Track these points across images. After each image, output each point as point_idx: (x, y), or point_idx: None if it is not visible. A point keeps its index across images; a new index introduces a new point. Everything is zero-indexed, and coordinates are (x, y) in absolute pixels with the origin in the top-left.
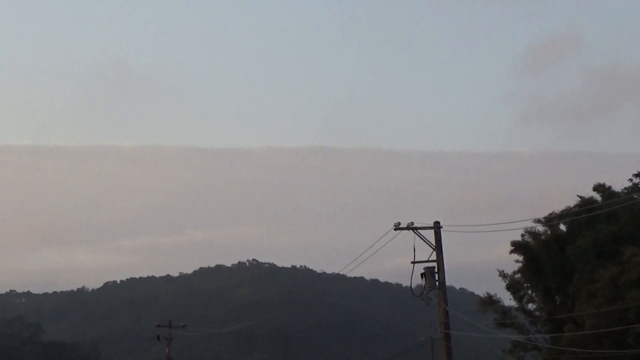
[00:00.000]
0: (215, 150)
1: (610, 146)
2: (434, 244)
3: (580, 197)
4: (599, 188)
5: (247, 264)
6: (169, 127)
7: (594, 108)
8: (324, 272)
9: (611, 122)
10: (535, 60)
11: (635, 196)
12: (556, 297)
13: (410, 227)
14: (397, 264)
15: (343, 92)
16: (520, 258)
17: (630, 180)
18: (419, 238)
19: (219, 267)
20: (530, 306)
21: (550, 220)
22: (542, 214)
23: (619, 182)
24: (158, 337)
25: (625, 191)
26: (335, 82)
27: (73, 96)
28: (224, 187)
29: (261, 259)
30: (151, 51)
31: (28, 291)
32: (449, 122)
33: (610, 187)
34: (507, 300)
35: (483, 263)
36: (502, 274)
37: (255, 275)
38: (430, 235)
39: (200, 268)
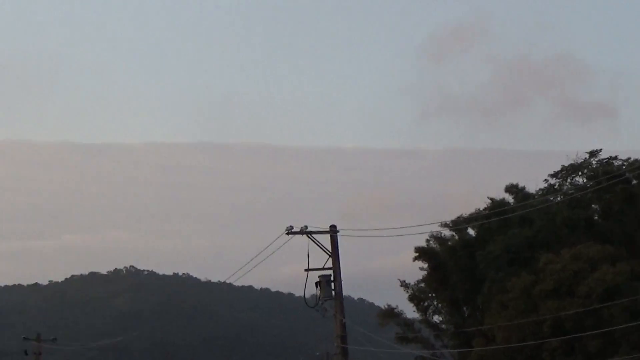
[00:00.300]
0: (91, 146)
1: (521, 144)
2: (330, 250)
3: (490, 199)
4: (511, 189)
5: (124, 272)
6: (39, 121)
7: (503, 102)
8: (209, 281)
9: (521, 118)
10: (438, 50)
11: (551, 198)
12: (464, 308)
13: (304, 232)
14: (289, 271)
15: (228, 84)
16: (425, 266)
17: (546, 180)
18: (314, 243)
19: (93, 275)
20: (436, 318)
21: (458, 224)
22: (449, 217)
23: (533, 183)
24: (25, 352)
25: (540, 193)
26: (219, 73)
27: None
28: (99, 187)
29: (140, 266)
30: (18, 39)
31: None
32: (345, 116)
33: (523, 188)
34: (411, 312)
35: (384, 271)
36: (404, 284)
37: (134, 284)
38: (326, 240)
39: (73, 276)
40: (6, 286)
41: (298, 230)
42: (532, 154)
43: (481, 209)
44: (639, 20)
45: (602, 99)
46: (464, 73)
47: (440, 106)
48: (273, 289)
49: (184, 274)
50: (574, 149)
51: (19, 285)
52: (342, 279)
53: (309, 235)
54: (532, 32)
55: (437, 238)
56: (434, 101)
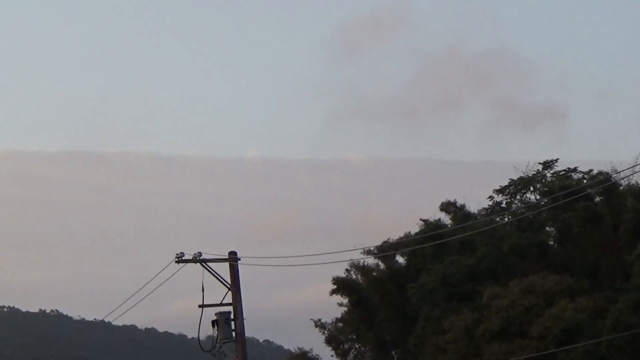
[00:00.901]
0: None
1: (454, 153)
2: (230, 282)
3: (424, 220)
4: (447, 207)
5: None
6: None
7: (429, 104)
8: (83, 319)
9: (451, 122)
10: (349, 43)
11: (497, 219)
12: (393, 352)
13: (198, 259)
14: (180, 308)
15: (105, 86)
16: (345, 301)
17: (490, 197)
18: (210, 273)
19: None
20: None
21: (384, 251)
22: (373, 242)
23: (474, 200)
24: None
25: (484, 212)
26: (92, 74)
27: None
28: None
29: None
30: None
31: None
32: (244, 122)
33: (463, 207)
34: (328, 356)
35: (295, 307)
36: (319, 324)
37: None
38: (224, 269)
39: None
40: None
41: (190, 257)
42: (469, 164)
43: (412, 233)
44: (587, 8)
45: (548, 101)
46: (381, 70)
47: (354, 109)
48: (160, 329)
49: (52, 310)
50: (519, 159)
51: None
52: (245, 316)
53: (203, 263)
54: (462, 19)
55: (359, 267)
56: (347, 103)
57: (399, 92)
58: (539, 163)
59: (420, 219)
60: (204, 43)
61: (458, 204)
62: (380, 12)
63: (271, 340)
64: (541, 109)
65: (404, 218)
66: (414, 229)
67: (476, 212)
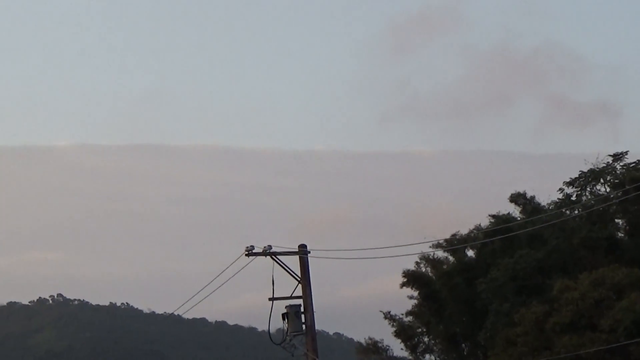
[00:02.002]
0: (9, 149)
1: (516, 146)
2: (300, 275)
3: (493, 216)
4: (517, 199)
5: (50, 301)
6: None
7: (481, 101)
8: (153, 312)
9: (504, 119)
10: (400, 41)
11: (567, 212)
12: (463, 345)
13: (268, 252)
14: (249, 301)
15: (175, 82)
16: (415, 294)
17: (560, 190)
18: (280, 267)
19: (11, 306)
20: (428, 358)
21: (454, 244)
22: (442, 234)
23: (544, 193)
24: None
25: (553, 205)
26: (162, 70)
27: None
28: (18, 198)
29: (69, 295)
30: None
31: None
32: (302, 118)
33: (532, 199)
34: (398, 349)
35: (365, 300)
36: (389, 316)
37: (61, 316)
38: (293, 262)
39: None
40: None
41: (260, 250)
42: (536, 157)
43: (482, 225)
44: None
45: (601, 98)
46: (432, 67)
47: (406, 105)
48: (231, 322)
49: (122, 304)
50: (575, 153)
51: None
52: (315, 309)
53: (273, 257)
54: (512, 18)
55: (430, 260)
56: (398, 100)
57: (450, 88)
58: (609, 155)
59: (490, 215)
60: (270, 40)
61: (528, 196)
62: (430, 10)
63: (341, 332)
64: (595, 106)
65: (470, 209)
66: (479, 221)
67: (546, 204)
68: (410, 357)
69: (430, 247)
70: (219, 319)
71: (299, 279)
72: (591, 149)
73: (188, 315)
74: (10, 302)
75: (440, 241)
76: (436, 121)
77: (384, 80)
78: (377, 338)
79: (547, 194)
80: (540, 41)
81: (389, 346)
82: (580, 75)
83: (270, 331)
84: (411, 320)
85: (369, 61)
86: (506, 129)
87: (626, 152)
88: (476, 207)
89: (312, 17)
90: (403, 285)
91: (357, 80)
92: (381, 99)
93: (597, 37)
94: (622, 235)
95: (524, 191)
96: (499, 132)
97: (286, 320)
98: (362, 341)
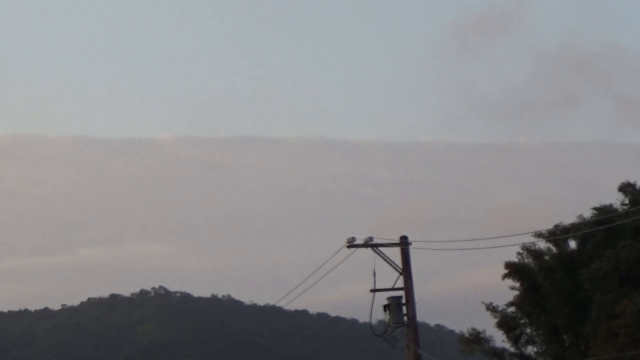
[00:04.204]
0: (111, 142)
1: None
2: (401, 267)
3: (596, 209)
4: (626, 188)
5: (152, 293)
6: (51, 112)
7: (547, 101)
8: (255, 304)
9: (571, 119)
10: (464, 42)
11: None
12: (565, 336)
13: (369, 244)
14: (351, 293)
15: (274, 73)
16: (517, 285)
17: None
18: (381, 258)
19: (114, 298)
20: (530, 349)
21: (556, 235)
22: (545, 225)
23: None
24: None
25: None
26: (252, 64)
27: None
28: (122, 190)
29: (171, 287)
30: (30, 26)
31: None
32: (403, 109)
33: None
34: (500, 340)
35: (466, 291)
36: (491, 307)
37: (163, 308)
38: (394, 254)
39: (90, 299)
40: (10, 312)
41: (361, 242)
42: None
43: (585, 216)
44: None
45: None
46: (497, 68)
47: (471, 106)
48: (332, 314)
49: (224, 296)
50: None
51: (26, 310)
52: (416, 301)
53: (374, 248)
54: (576, 19)
55: (532, 251)
56: (463, 100)
57: (515, 89)
58: None
59: (592, 209)
60: (356, 39)
61: (637, 185)
62: (494, 11)
63: (442, 324)
64: None
65: (576, 201)
66: (588, 212)
67: None
68: (512, 349)
69: (532, 235)
70: (320, 311)
71: (400, 271)
72: None
73: (290, 307)
74: (113, 294)
75: (543, 232)
76: (501, 121)
77: (447, 82)
78: (479, 329)
79: None
80: (604, 42)
81: (491, 336)
82: None
83: (372, 323)
84: (513, 311)
85: (431, 62)
86: (573, 130)
87: None
88: (576, 199)
89: (376, 18)
90: (505, 276)
91: (424, 80)
92: (444, 101)
93: None
94: None
95: (635, 181)
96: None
97: (388, 311)
98: (464, 332)
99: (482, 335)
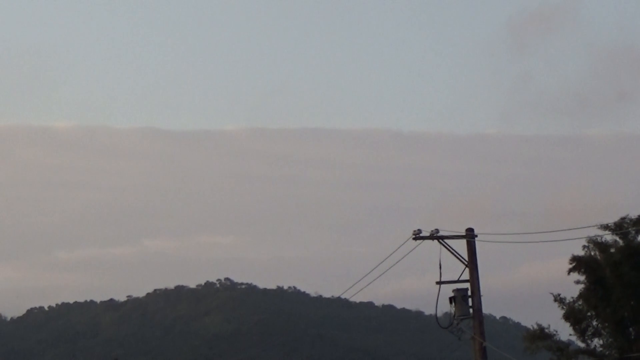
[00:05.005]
0: (179, 133)
1: None
2: (467, 259)
3: None
4: None
5: (218, 285)
6: (119, 104)
7: (605, 97)
8: (320, 296)
9: (631, 116)
10: (519, 39)
11: None
12: (630, 329)
13: (435, 236)
14: (416, 285)
15: (338, 64)
16: (582, 278)
17: None
18: (447, 251)
19: (180, 289)
20: (596, 342)
21: (623, 227)
22: (611, 218)
23: None
24: None
25: None
26: (326, 53)
27: None
28: (189, 181)
29: (236, 279)
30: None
31: None
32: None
33: None
34: (565, 333)
35: (532, 284)
36: (559, 299)
37: (229, 300)
38: (460, 246)
39: (156, 290)
40: (76, 303)
41: (427, 234)
42: None
43: None
44: None
45: None
46: (553, 64)
47: (528, 102)
48: (398, 306)
49: (289, 287)
50: None
51: (92, 302)
52: (482, 293)
53: (440, 240)
54: (631, 15)
55: (598, 244)
56: (520, 96)
57: (571, 85)
58: None
59: None
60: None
61: None
62: (549, 8)
63: (508, 317)
64: None
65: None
66: None
67: None
68: (578, 342)
69: (598, 228)
70: (386, 303)
71: (466, 263)
72: None
73: (355, 299)
74: (179, 285)
75: (609, 224)
76: (558, 116)
77: (503, 78)
78: (544, 323)
79: None
80: None
81: (556, 331)
82: None
83: (438, 315)
84: (580, 304)
85: (488, 59)
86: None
87: None
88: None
89: (434, 16)
90: (570, 270)
91: (484, 75)
92: (501, 97)
93: None
94: None
95: None
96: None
97: (453, 304)
98: (529, 325)
99: (547, 331)
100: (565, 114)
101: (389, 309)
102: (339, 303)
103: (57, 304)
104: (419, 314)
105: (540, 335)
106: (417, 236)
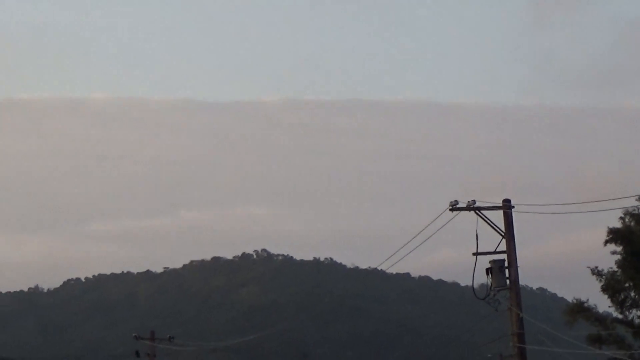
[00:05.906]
0: (216, 105)
1: None
2: (504, 230)
3: None
4: None
5: (255, 257)
6: (155, 75)
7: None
8: (357, 267)
9: None
10: (544, 12)
11: None
12: None
13: (472, 207)
14: (452, 256)
15: (376, 36)
16: (619, 249)
17: None
18: (484, 222)
19: (216, 261)
20: (635, 313)
21: None
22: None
23: None
24: (137, 354)
25: None
26: (365, 26)
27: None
28: (226, 152)
29: (273, 250)
30: None
31: None
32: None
33: None
34: (604, 305)
35: (567, 256)
36: (596, 271)
37: (266, 272)
38: (497, 217)
39: (192, 261)
40: (112, 274)
41: (464, 205)
42: None
43: None
44: None
45: None
46: (578, 37)
47: (552, 75)
48: (434, 277)
49: (326, 259)
50: None
51: (128, 273)
52: (519, 264)
53: (477, 211)
54: None
55: (635, 216)
56: (544, 70)
57: (597, 58)
58: None
59: None
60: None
61: None
62: None
63: (545, 288)
64: None
65: None
66: None
67: None
68: (616, 313)
69: (636, 200)
70: (423, 274)
71: (503, 234)
72: None
73: (392, 270)
74: (215, 257)
75: None
76: (583, 90)
77: (527, 52)
78: (580, 294)
79: None
80: None
81: (595, 305)
82: None
83: (474, 286)
84: (618, 274)
85: (511, 33)
86: None
87: None
88: None
89: None
90: (607, 242)
91: (502, 51)
92: (525, 70)
93: None
94: None
95: None
96: None
97: (490, 275)
98: (565, 297)
99: (586, 305)
100: (593, 87)
101: (425, 280)
102: (375, 274)
103: (93, 275)
104: (455, 285)
105: (579, 309)
106: (454, 207)
